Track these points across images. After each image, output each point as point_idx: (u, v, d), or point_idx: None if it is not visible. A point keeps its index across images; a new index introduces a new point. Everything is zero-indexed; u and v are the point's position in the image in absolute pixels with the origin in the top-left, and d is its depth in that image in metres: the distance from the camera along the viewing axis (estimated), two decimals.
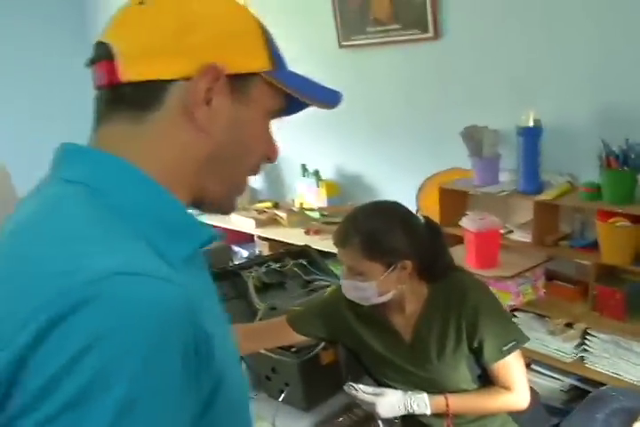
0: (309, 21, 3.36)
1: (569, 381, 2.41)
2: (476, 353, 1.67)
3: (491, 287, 2.39)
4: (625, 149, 2.13)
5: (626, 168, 2.12)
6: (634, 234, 2.13)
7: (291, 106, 0.82)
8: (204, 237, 0.73)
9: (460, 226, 2.47)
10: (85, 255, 0.60)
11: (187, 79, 0.71)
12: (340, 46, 3.18)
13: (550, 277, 2.49)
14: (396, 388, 1.72)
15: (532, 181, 2.37)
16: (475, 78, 2.70)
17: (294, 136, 3.62)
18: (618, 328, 2.20)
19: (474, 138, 2.54)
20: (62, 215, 0.65)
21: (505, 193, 2.40)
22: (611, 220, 2.15)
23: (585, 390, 2.34)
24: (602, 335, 2.25)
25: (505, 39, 2.57)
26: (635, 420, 1.76)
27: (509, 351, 1.68)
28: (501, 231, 2.50)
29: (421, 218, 1.67)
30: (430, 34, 2.76)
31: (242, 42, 0.75)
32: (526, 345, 2.42)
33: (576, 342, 2.32)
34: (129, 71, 0.70)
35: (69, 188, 0.68)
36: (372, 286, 1.60)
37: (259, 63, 0.76)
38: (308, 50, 3.28)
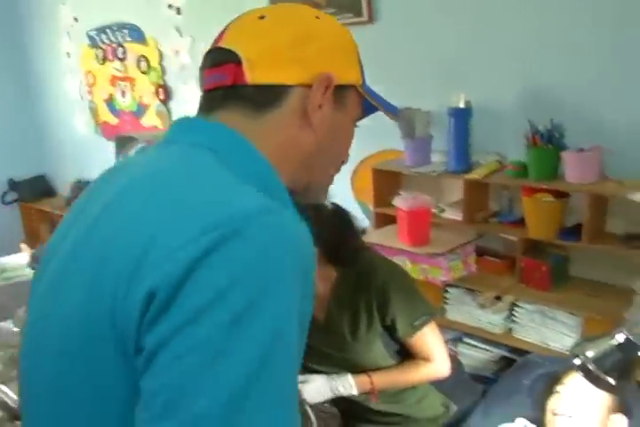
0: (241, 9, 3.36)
1: (499, 351, 2.51)
2: (390, 330, 1.74)
3: (423, 264, 2.49)
4: (549, 128, 2.23)
5: (550, 146, 2.23)
6: (557, 208, 2.25)
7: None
8: None
9: (393, 206, 2.54)
10: (234, 194, 0.72)
11: (304, 85, 0.84)
12: None
13: (480, 252, 2.59)
14: (322, 372, 1.77)
15: (462, 160, 2.45)
16: (407, 61, 2.77)
17: None
18: (543, 298, 2.31)
19: (407, 120, 2.61)
20: (201, 166, 0.77)
21: (436, 173, 2.49)
22: (536, 195, 2.25)
23: (514, 359, 2.45)
24: (528, 306, 2.36)
25: (436, 23, 2.64)
26: (557, 383, 1.85)
27: (422, 325, 1.75)
28: (433, 210, 2.59)
29: (329, 205, 1.70)
30: (364, 18, 2.81)
31: (345, 56, 0.90)
32: (458, 319, 2.55)
33: (505, 314, 2.43)
34: (255, 75, 0.83)
35: (196, 150, 0.80)
36: None
37: (355, 76, 0.91)
38: None
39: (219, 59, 0.86)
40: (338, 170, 0.97)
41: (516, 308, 2.41)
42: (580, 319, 2.24)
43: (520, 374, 2.09)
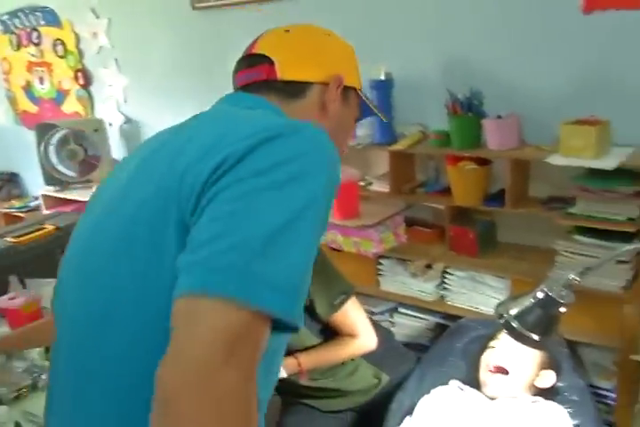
0: None
1: (434, 319, 2.56)
2: (310, 311, 1.76)
3: (354, 237, 2.51)
4: (468, 96, 2.27)
5: (470, 114, 2.26)
6: (481, 175, 2.29)
7: None
8: None
9: None
10: (283, 119, 0.98)
11: (321, 83, 1.09)
12: (194, 8, 3.14)
13: (410, 223, 2.62)
14: None
15: (387, 132, 2.47)
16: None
17: (153, 103, 3.57)
18: (472, 264, 2.36)
19: None
20: (252, 110, 1.01)
21: (361, 145, 2.50)
22: (459, 163, 2.29)
23: (448, 326, 2.50)
24: (458, 273, 2.41)
25: None
26: (491, 339, 1.90)
27: (341, 304, 1.78)
28: (361, 183, 2.60)
29: None
30: None
31: (350, 64, 1.17)
32: (392, 289, 2.58)
33: (436, 282, 2.47)
34: (285, 73, 1.08)
35: (249, 109, 1.02)
36: None
37: (357, 81, 1.17)
38: (160, 12, 3.23)
39: (254, 62, 1.10)
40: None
41: (446, 275, 2.45)
42: (508, 282, 2.30)
43: (453, 338, 2.14)
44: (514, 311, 1.35)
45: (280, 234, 0.76)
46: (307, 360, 1.79)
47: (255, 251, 0.74)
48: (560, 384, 1.89)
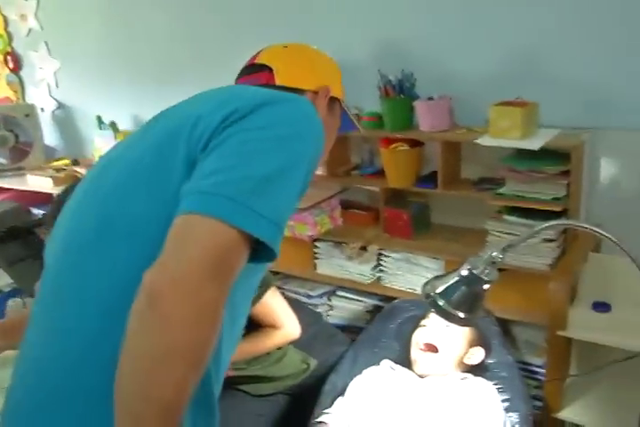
0: None
1: (371, 301, 2.58)
2: None
3: (289, 221, 2.49)
4: (400, 78, 2.27)
5: (402, 96, 2.27)
6: (413, 157, 2.30)
7: None
8: None
9: None
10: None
11: (313, 92, 1.26)
12: None
13: (346, 205, 2.63)
14: None
15: None
16: (254, 14, 2.74)
17: (85, 88, 3.48)
18: (407, 246, 2.38)
19: None
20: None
21: None
22: (392, 146, 2.30)
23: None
24: (394, 255, 2.42)
25: None
26: (423, 318, 1.92)
27: (259, 297, 1.80)
28: None
29: None
30: None
31: (336, 77, 1.36)
32: (329, 273, 2.58)
33: (373, 264, 2.48)
34: (282, 79, 1.26)
35: None
36: None
37: (339, 93, 1.34)
38: None
39: (255, 70, 1.30)
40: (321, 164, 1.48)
41: (382, 257, 2.46)
42: (443, 263, 2.33)
43: (386, 320, 2.16)
44: (439, 290, 1.36)
45: (273, 178, 0.87)
46: None
47: (250, 187, 0.85)
48: (489, 361, 1.92)
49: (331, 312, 2.66)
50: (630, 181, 2.13)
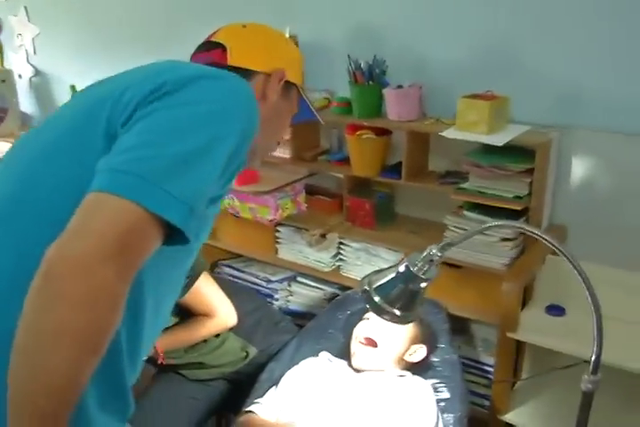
0: None
1: (330, 289, 2.53)
2: None
3: (250, 203, 2.45)
4: (371, 64, 2.20)
5: (371, 82, 2.20)
6: (379, 146, 2.24)
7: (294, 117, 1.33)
8: None
9: None
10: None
11: (266, 74, 1.20)
12: None
13: (312, 191, 2.58)
14: None
15: None
16: None
17: (64, 56, 3.41)
18: (368, 236, 2.33)
19: None
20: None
21: None
22: (358, 133, 2.24)
23: None
24: (354, 244, 2.38)
25: None
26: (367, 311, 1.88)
27: (190, 285, 1.75)
28: None
29: None
30: None
31: (296, 63, 1.29)
32: (289, 258, 2.54)
33: (333, 253, 2.43)
34: (234, 59, 1.20)
35: None
36: None
37: (299, 79, 1.29)
38: None
39: (210, 47, 1.23)
40: (274, 149, 1.36)
41: (342, 246, 2.42)
42: (401, 255, 2.28)
43: (336, 309, 2.12)
44: (376, 285, 1.31)
45: (191, 157, 0.85)
46: (163, 342, 1.75)
47: (164, 166, 0.83)
48: (434, 359, 1.88)
49: (290, 298, 2.62)
50: (599, 182, 2.08)
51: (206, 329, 1.80)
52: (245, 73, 1.16)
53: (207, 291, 1.78)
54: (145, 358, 1.10)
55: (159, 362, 1.77)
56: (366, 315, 1.86)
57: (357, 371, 1.77)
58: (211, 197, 0.93)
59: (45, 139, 0.99)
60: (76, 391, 0.77)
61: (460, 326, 2.28)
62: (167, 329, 1.76)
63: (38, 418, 0.74)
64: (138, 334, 0.98)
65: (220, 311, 1.80)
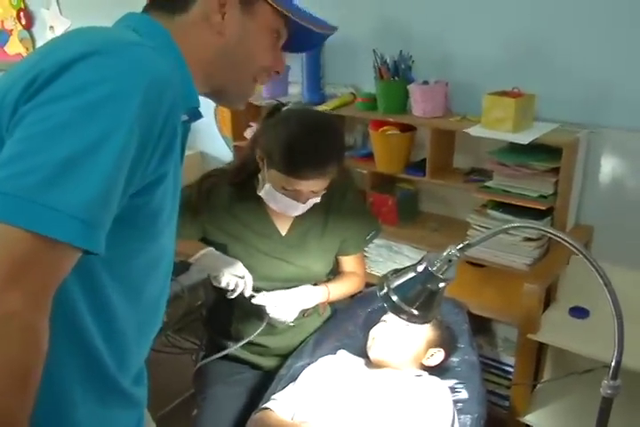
0: None
1: None
2: (343, 243, 1.88)
3: None
4: (397, 60, 2.18)
5: (397, 78, 2.18)
6: (403, 142, 2.22)
7: (297, 39, 1.08)
8: (193, 103, 0.96)
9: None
10: (121, 36, 0.88)
11: None
12: None
13: None
14: (272, 280, 1.80)
15: (315, 92, 2.39)
16: None
17: None
18: (390, 233, 2.31)
19: None
20: (115, 30, 0.97)
21: (290, 104, 2.41)
22: (382, 129, 2.22)
23: None
24: (376, 241, 2.34)
25: None
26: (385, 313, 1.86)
27: (371, 240, 1.94)
28: None
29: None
30: None
31: None
32: None
33: None
34: None
35: (124, 29, 0.96)
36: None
37: None
38: None
39: None
40: (262, 79, 1.07)
41: None
42: (425, 253, 2.25)
43: (357, 306, 2.10)
44: (394, 284, 1.30)
45: (74, 162, 0.73)
46: (333, 290, 1.87)
47: (41, 178, 0.72)
48: (453, 359, 1.86)
49: None
50: (627, 183, 2.03)
51: (355, 286, 1.97)
52: None
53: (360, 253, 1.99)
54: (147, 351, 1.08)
55: (320, 307, 1.94)
56: (384, 317, 1.84)
57: (376, 366, 1.76)
58: (144, 184, 0.83)
59: None
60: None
61: (481, 325, 2.26)
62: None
63: None
64: (119, 331, 0.95)
65: (363, 273, 2.00)
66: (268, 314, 1.73)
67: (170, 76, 0.84)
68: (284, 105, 1.84)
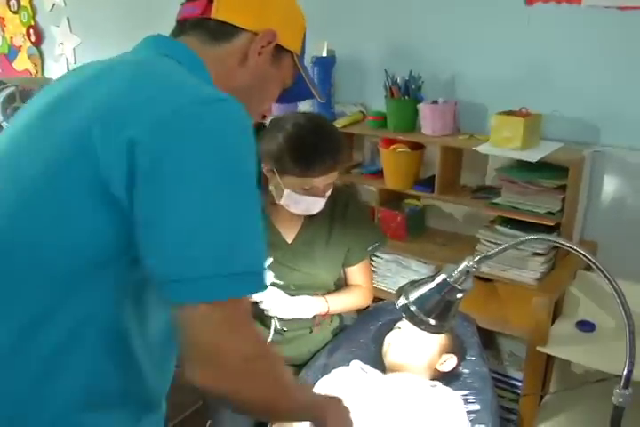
0: None
1: None
2: (347, 253, 1.93)
3: None
4: (407, 79, 2.25)
5: (407, 97, 2.25)
6: (413, 160, 2.28)
7: (291, 94, 1.20)
8: None
9: None
10: (201, 84, 0.94)
11: (253, 33, 1.05)
12: None
13: None
14: (278, 287, 1.86)
15: (325, 110, 2.45)
16: None
17: None
18: (399, 248, 2.36)
19: None
20: (173, 66, 0.99)
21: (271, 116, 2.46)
22: (392, 147, 2.28)
23: None
24: (385, 256, 2.40)
25: None
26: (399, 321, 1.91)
27: (373, 251, 1.99)
28: None
29: None
30: None
31: (293, 27, 1.13)
32: None
33: None
34: (219, 13, 1.04)
35: (165, 58, 1.01)
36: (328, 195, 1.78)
37: (295, 46, 1.13)
38: None
39: None
40: (258, 116, 1.19)
41: (373, 257, 2.44)
42: (432, 268, 2.31)
43: (368, 319, 2.14)
44: (413, 296, 1.35)
45: (237, 225, 0.84)
46: (333, 302, 1.90)
47: (225, 251, 0.84)
48: (464, 370, 1.90)
49: None
50: (631, 200, 2.10)
51: (360, 299, 1.99)
52: (229, 30, 1.05)
53: (369, 266, 2.05)
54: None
55: (323, 318, 1.95)
56: (398, 324, 1.89)
57: (391, 373, 1.80)
58: None
59: (25, 170, 0.92)
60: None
61: (487, 340, 2.30)
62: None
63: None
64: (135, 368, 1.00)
65: (369, 287, 2.02)
66: (274, 321, 1.85)
67: (249, 121, 0.95)
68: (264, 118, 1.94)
